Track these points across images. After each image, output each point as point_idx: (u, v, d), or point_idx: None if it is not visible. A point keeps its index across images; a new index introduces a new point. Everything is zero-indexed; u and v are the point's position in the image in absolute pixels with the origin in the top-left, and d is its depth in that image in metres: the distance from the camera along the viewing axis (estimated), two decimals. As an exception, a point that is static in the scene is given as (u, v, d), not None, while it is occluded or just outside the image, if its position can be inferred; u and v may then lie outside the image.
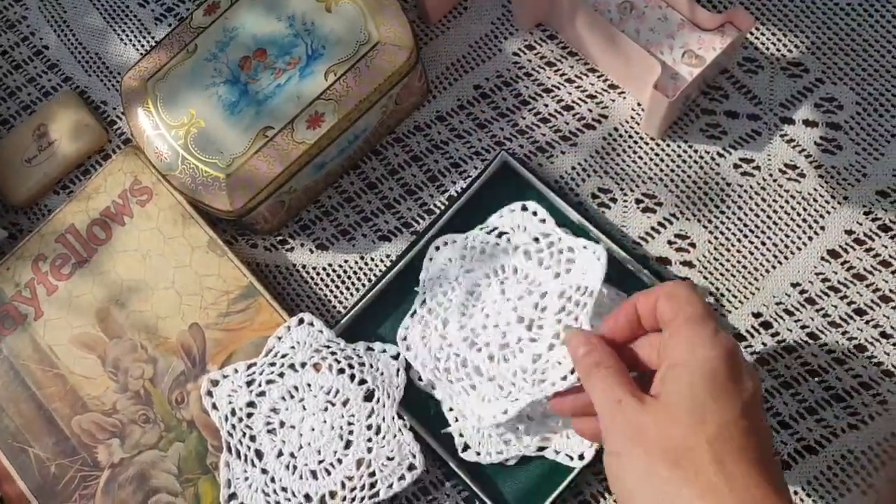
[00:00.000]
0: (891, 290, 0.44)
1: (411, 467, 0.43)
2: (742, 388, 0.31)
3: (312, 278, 0.49)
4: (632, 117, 0.48)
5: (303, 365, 0.44)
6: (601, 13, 0.47)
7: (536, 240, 0.45)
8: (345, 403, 0.43)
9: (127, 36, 0.54)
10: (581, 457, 0.42)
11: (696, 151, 0.47)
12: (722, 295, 0.45)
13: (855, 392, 0.43)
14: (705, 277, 0.46)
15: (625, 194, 0.48)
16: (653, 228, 0.47)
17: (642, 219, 0.47)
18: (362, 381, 0.44)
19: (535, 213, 0.46)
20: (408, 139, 0.50)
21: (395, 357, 0.45)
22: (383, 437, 0.43)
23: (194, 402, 0.45)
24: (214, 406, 0.44)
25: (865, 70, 0.47)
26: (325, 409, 0.44)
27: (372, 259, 0.49)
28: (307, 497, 0.42)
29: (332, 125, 0.44)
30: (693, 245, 0.46)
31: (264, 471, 0.43)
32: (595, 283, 0.43)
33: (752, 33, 0.49)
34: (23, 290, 0.47)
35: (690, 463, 0.30)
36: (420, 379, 0.45)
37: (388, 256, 0.48)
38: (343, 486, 0.42)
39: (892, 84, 0.47)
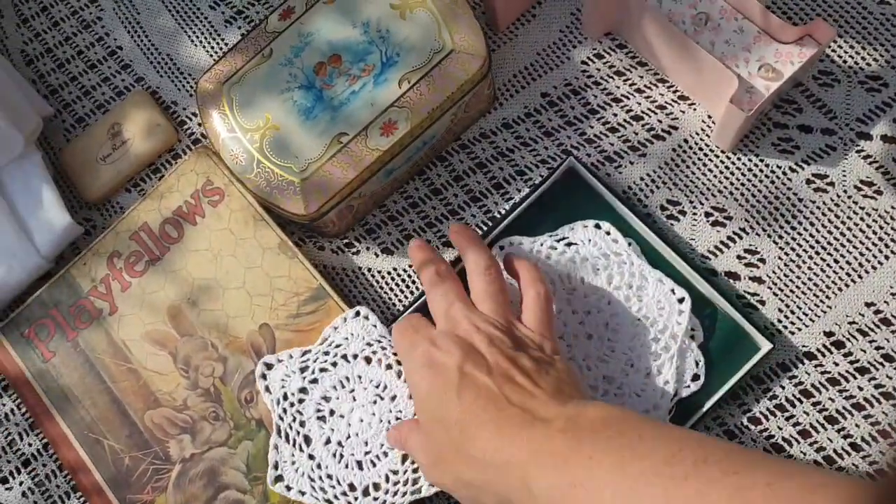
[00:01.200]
0: (968, 313, 0.43)
1: None
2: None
3: (378, 281, 0.49)
4: (702, 129, 0.48)
5: (354, 356, 0.45)
6: (675, 24, 0.47)
7: (606, 256, 0.45)
8: (392, 398, 0.44)
9: (198, 38, 0.55)
10: None
11: (767, 166, 0.47)
12: (792, 312, 0.45)
13: (929, 415, 0.42)
14: (775, 294, 0.45)
15: (694, 207, 0.47)
16: (722, 243, 0.46)
17: (711, 232, 0.47)
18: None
19: (608, 233, 0.46)
20: (473, 146, 0.50)
21: None
22: None
23: (263, 401, 0.45)
24: (267, 389, 0.45)
25: (947, 86, 0.46)
26: (374, 402, 0.44)
27: (437, 264, 0.49)
28: (351, 486, 0.43)
29: (405, 132, 0.44)
30: (763, 261, 0.46)
31: (311, 456, 0.44)
32: (679, 329, 0.44)
33: (828, 47, 0.48)
34: (98, 285, 0.48)
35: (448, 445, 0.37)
36: None
37: (453, 260, 0.49)
38: (387, 479, 0.43)
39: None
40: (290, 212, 0.45)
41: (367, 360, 0.45)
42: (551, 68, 0.51)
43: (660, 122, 0.49)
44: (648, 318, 0.44)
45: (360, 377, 0.45)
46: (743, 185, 0.47)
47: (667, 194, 0.48)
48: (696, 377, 0.44)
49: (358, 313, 0.46)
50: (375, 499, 0.42)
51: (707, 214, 0.47)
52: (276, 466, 0.44)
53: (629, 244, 0.46)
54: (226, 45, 0.55)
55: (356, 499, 0.43)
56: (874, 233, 0.45)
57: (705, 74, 0.45)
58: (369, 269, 0.50)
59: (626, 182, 0.48)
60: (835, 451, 0.42)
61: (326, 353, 0.45)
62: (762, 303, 0.45)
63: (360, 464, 0.43)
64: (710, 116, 0.48)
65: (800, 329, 0.44)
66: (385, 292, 0.49)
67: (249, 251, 0.48)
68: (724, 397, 0.43)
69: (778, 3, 0.49)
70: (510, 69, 0.51)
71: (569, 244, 0.46)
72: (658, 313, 0.44)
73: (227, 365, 0.46)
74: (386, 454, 0.43)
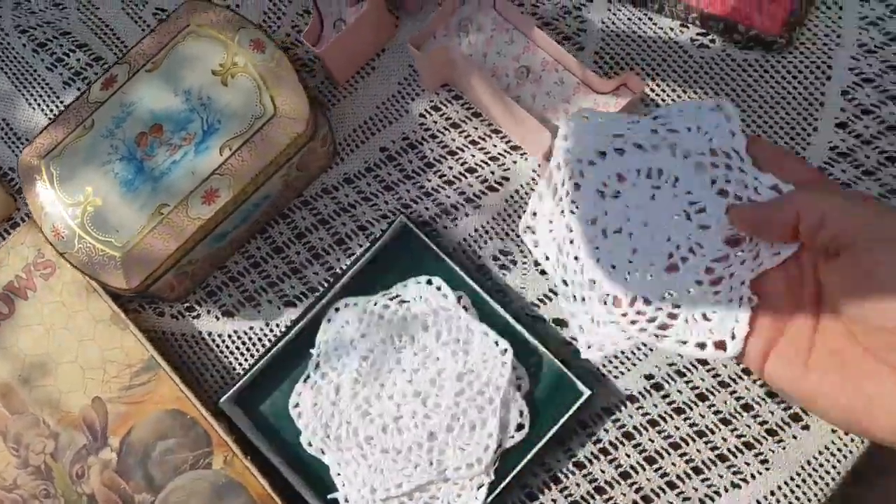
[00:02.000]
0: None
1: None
2: None
3: (218, 346, 0.49)
4: (533, 179, 0.49)
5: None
6: (498, 78, 0.47)
7: (436, 312, 0.46)
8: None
9: (35, 100, 0.54)
10: None
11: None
12: (616, 356, 0.46)
13: (739, 452, 0.43)
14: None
15: (524, 256, 0.48)
16: (551, 290, 0.47)
17: (541, 280, 0.47)
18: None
19: (438, 288, 0.46)
20: (315, 202, 0.51)
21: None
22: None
23: (95, 475, 0.45)
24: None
25: (758, 130, 0.48)
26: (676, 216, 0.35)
27: (277, 325, 0.49)
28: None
29: (228, 200, 0.44)
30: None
31: (602, 298, 0.36)
32: (502, 381, 0.44)
33: (653, 90, 0.49)
34: (-73, 366, 0.47)
35: None
36: (310, 444, 0.45)
37: (293, 321, 0.49)
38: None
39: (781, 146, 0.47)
40: (114, 287, 0.44)
41: (620, 151, 0.36)
42: (390, 122, 0.51)
43: (492, 173, 0.49)
44: (474, 371, 0.45)
45: (620, 176, 0.36)
46: (572, 232, 0.48)
47: (499, 245, 0.48)
48: (520, 427, 0.44)
49: (587, 117, 0.37)
50: (610, 313, 0.35)
51: (536, 263, 0.48)
52: (581, 330, 0.36)
53: (459, 298, 0.46)
54: (64, 107, 0.54)
55: (660, 311, 0.34)
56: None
57: (525, 127, 0.46)
58: (210, 333, 0.49)
59: (462, 234, 0.49)
60: (652, 490, 0.43)
61: (568, 164, 0.36)
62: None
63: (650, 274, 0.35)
64: (539, 165, 0.49)
65: (623, 374, 0.45)
66: (226, 356, 0.49)
67: (82, 324, 0.47)
68: (549, 444, 0.44)
69: (603, 53, 0.50)
70: (351, 123, 0.51)
71: (401, 302, 0.47)
72: (483, 366, 0.45)
73: (58, 441, 0.46)
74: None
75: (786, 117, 0.47)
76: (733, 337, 0.33)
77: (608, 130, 0.36)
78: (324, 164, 0.50)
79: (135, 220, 0.44)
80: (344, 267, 0.49)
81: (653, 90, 0.49)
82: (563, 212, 0.36)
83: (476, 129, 0.50)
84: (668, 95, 0.49)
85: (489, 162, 0.50)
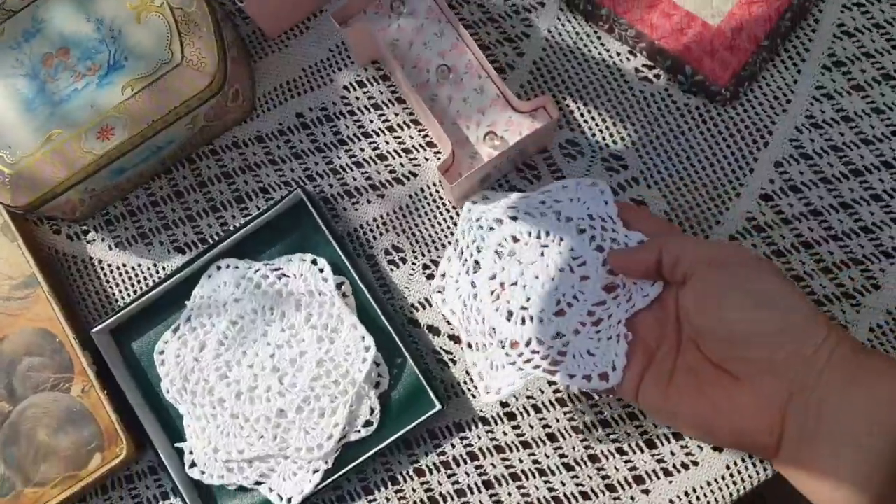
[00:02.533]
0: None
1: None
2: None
3: (105, 275, 0.50)
4: (440, 181, 0.47)
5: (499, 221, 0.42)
6: (419, 70, 0.45)
7: (312, 294, 0.46)
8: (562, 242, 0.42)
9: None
10: (289, 501, 0.44)
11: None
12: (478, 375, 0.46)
13: (574, 499, 0.44)
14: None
15: (415, 257, 0.47)
16: (429, 298, 0.47)
17: (425, 284, 0.47)
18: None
19: (321, 270, 0.46)
20: (223, 153, 0.50)
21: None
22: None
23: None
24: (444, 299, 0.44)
25: (678, 186, 0.45)
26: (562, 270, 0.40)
27: (164, 268, 0.49)
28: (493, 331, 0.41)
29: (123, 140, 0.44)
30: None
31: (501, 342, 0.40)
32: (359, 376, 0.45)
33: (581, 117, 0.47)
34: None
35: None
36: (168, 392, 0.47)
37: (177, 269, 0.49)
38: (528, 343, 0.40)
39: (699, 203, 0.45)
40: (0, 202, 0.45)
41: (514, 218, 0.42)
42: (312, 88, 0.49)
43: (402, 165, 0.48)
44: (335, 360, 0.45)
45: (514, 237, 0.41)
46: (465, 243, 0.47)
47: (393, 240, 0.48)
48: (368, 423, 0.45)
49: (485, 198, 0.44)
50: (508, 354, 0.40)
51: (425, 266, 0.47)
52: (480, 377, 0.41)
53: (340, 284, 0.46)
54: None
55: (551, 350, 0.39)
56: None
57: (433, 131, 0.44)
58: (100, 261, 0.50)
59: (361, 220, 0.48)
60: (472, 518, 0.45)
61: (471, 230, 0.43)
62: (454, 362, 0.46)
63: (542, 318, 0.40)
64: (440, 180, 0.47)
65: (475, 397, 0.45)
66: (111, 287, 0.50)
67: (-26, 227, 0.48)
68: (393, 446, 0.45)
69: (542, 63, 0.47)
70: (273, 80, 0.50)
71: (282, 275, 0.47)
72: (344, 357, 0.45)
73: (-64, 335, 0.48)
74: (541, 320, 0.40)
75: (711, 174, 0.45)
76: (614, 368, 0.38)
77: (504, 204, 0.42)
78: (238, 117, 0.49)
79: (28, 141, 0.44)
80: (238, 224, 0.49)
81: (583, 115, 0.47)
82: (468, 271, 0.42)
83: (396, 115, 0.48)
84: (597, 123, 0.46)
85: (402, 153, 0.48)
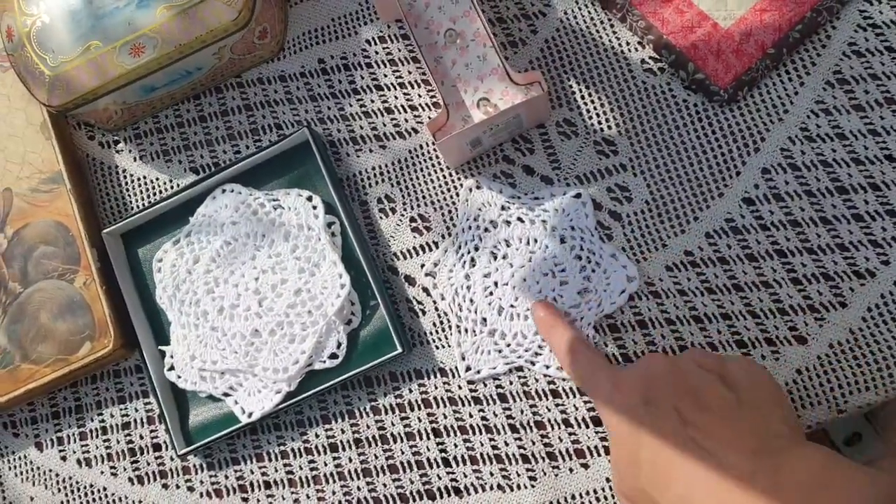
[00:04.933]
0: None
1: None
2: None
3: (126, 184, 0.54)
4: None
5: (493, 224, 0.47)
6: (430, 32, 0.47)
7: (301, 227, 0.49)
8: (546, 248, 0.47)
9: None
10: (250, 415, 0.48)
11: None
12: (444, 329, 0.48)
13: (513, 460, 0.46)
14: (436, 309, 0.48)
15: (404, 209, 0.50)
16: (414, 249, 0.49)
17: (409, 236, 0.49)
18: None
19: (315, 208, 0.49)
20: (248, 87, 0.53)
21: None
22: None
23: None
24: (442, 297, 0.48)
25: (663, 178, 0.46)
26: (529, 259, 0.46)
27: (178, 185, 0.53)
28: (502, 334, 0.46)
29: (152, 59, 0.48)
30: (435, 277, 0.49)
31: (492, 332, 0.46)
32: (331, 310, 0.48)
33: (581, 99, 0.48)
34: None
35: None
36: (160, 298, 0.51)
37: (187, 186, 0.53)
38: (514, 336, 0.46)
39: (681, 198, 0.46)
40: (38, 99, 0.49)
41: (508, 223, 0.47)
42: (337, 37, 0.52)
43: (406, 121, 0.50)
44: (311, 292, 0.48)
45: (507, 242, 0.47)
46: (452, 202, 0.49)
47: (387, 190, 0.50)
48: (333, 356, 0.48)
49: (479, 185, 0.48)
50: (496, 343, 0.46)
51: (412, 219, 0.50)
52: (463, 358, 0.47)
53: (330, 224, 0.49)
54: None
55: (533, 343, 0.46)
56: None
57: (434, 90, 0.46)
58: (124, 171, 0.54)
59: (360, 167, 0.51)
60: (426, 460, 0.47)
61: (470, 228, 0.48)
62: (423, 312, 0.48)
63: (526, 317, 0.46)
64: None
65: (444, 346, 0.48)
66: (128, 195, 0.54)
67: (17, 121, 0.53)
68: (356, 381, 0.48)
69: (554, 43, 0.49)
70: (304, 25, 0.53)
71: (277, 206, 0.50)
72: (321, 290, 0.48)
73: (-31, 213, 0.53)
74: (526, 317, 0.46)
75: (698, 171, 0.46)
76: None
77: (497, 201, 0.48)
78: (266, 55, 0.52)
79: (69, 48, 0.48)
80: (247, 154, 0.52)
81: (583, 97, 0.48)
82: (464, 265, 0.48)
83: (410, 73, 0.51)
84: (595, 107, 0.48)
85: (408, 109, 0.50)
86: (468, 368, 0.47)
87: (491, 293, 0.47)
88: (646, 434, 0.36)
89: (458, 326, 0.47)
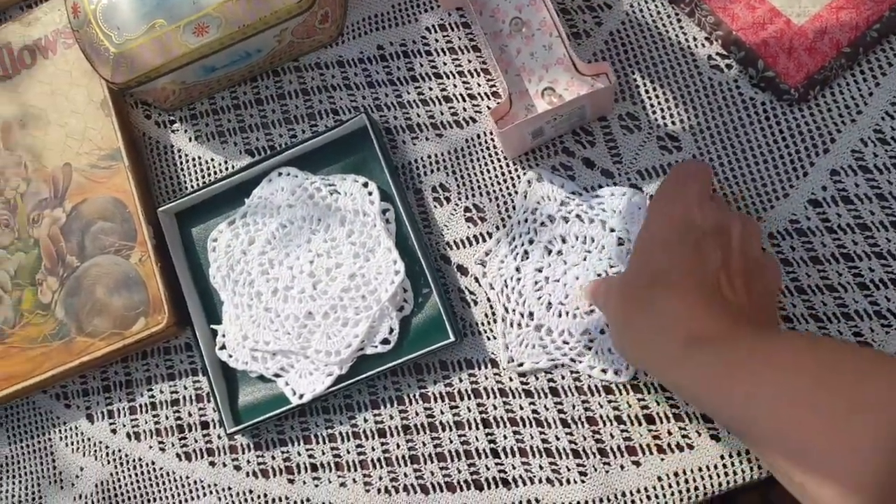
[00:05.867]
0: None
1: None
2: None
3: (181, 163, 0.54)
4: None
5: (551, 219, 0.47)
6: (495, 20, 0.47)
7: (356, 213, 0.49)
8: (601, 249, 0.46)
9: None
10: (301, 396, 0.48)
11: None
12: (495, 320, 0.48)
13: (564, 455, 0.45)
14: (488, 299, 0.48)
15: (459, 198, 0.49)
16: (468, 238, 0.49)
17: (464, 226, 0.49)
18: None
19: (370, 194, 0.49)
20: (305, 71, 0.53)
21: None
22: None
23: (45, 226, 0.53)
24: (490, 286, 0.48)
25: (727, 177, 0.45)
26: (584, 259, 0.46)
27: (233, 166, 0.54)
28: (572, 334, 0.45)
29: (215, 39, 0.48)
30: (485, 266, 0.48)
31: (538, 327, 0.46)
32: (385, 296, 0.47)
33: (645, 93, 0.47)
34: (-42, 83, 0.56)
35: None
36: (214, 277, 0.51)
37: (243, 167, 0.53)
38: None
39: (745, 197, 0.45)
40: (101, 76, 0.50)
41: (566, 219, 0.47)
42: (397, 24, 0.52)
43: (465, 110, 0.50)
44: (365, 277, 0.48)
45: (563, 238, 0.47)
46: (508, 193, 0.49)
47: (443, 179, 0.50)
48: (385, 341, 0.48)
49: (540, 178, 0.47)
50: (542, 339, 0.46)
51: (466, 209, 0.49)
52: (507, 348, 0.46)
53: (385, 210, 0.49)
54: None
55: (579, 343, 0.45)
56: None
57: (497, 78, 0.46)
58: (179, 150, 0.55)
59: (416, 154, 0.51)
60: (476, 450, 0.47)
61: (526, 221, 0.47)
62: (475, 302, 0.48)
63: (575, 315, 0.46)
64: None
65: (495, 338, 0.47)
66: (182, 174, 0.54)
67: (79, 97, 0.53)
68: (406, 367, 0.48)
69: (618, 35, 0.48)
70: (364, 11, 0.53)
71: (334, 191, 0.50)
72: (375, 276, 0.48)
73: (29, 186, 0.53)
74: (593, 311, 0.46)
75: (763, 171, 0.45)
76: (627, 367, 0.45)
77: (557, 195, 0.47)
78: (325, 39, 0.52)
79: (134, 26, 0.49)
80: (303, 138, 0.52)
81: (647, 91, 0.47)
82: (515, 257, 0.47)
83: (469, 62, 0.50)
84: (660, 101, 0.47)
85: (466, 97, 0.50)
86: (511, 360, 0.46)
87: (541, 288, 0.46)
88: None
89: (504, 317, 0.47)
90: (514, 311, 0.47)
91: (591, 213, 0.46)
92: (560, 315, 0.46)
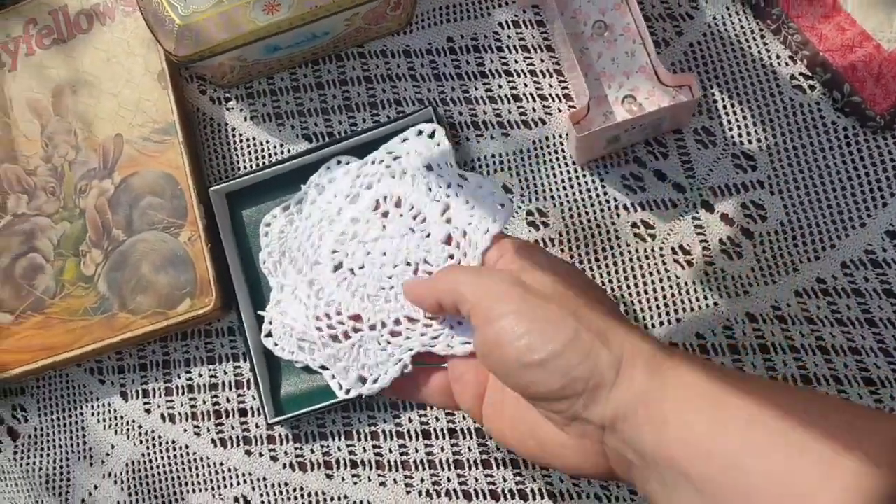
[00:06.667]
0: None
1: None
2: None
3: (235, 143, 0.53)
4: (566, 133, 0.48)
5: (403, 173, 0.41)
6: (577, 22, 0.46)
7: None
8: (426, 236, 0.39)
9: None
10: (348, 391, 0.47)
11: (605, 193, 0.47)
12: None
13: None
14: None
15: (521, 201, 0.48)
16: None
17: (524, 230, 0.48)
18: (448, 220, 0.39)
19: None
20: (370, 58, 0.52)
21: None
22: None
23: (92, 197, 0.51)
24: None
25: (802, 201, 0.44)
26: (404, 235, 0.40)
27: (288, 150, 0.52)
28: (357, 318, 0.41)
29: (284, 18, 0.46)
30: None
31: (312, 282, 0.43)
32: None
33: (723, 108, 0.46)
34: (10, 42, 0.54)
35: (595, 300, 0.31)
36: (264, 262, 0.50)
37: (301, 152, 0.52)
38: (397, 322, 0.39)
39: (819, 223, 0.44)
40: (164, 47, 0.48)
41: (413, 181, 0.41)
42: (469, 17, 0.51)
43: (534, 110, 0.49)
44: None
45: (399, 200, 0.41)
46: (574, 200, 0.48)
47: (506, 179, 0.49)
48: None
49: (432, 135, 0.42)
50: (382, 335, 0.40)
51: (529, 213, 0.48)
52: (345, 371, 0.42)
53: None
54: None
55: (357, 331, 0.41)
56: (665, 297, 0.46)
57: (575, 81, 0.45)
58: (233, 129, 0.53)
59: (480, 153, 0.49)
60: (524, 460, 0.46)
61: (381, 161, 0.43)
62: (532, 311, 0.47)
63: (370, 297, 0.40)
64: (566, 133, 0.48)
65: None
66: (235, 154, 0.53)
67: (135, 67, 0.52)
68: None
69: (699, 47, 0.47)
70: (435, 2, 0.51)
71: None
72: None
73: (78, 154, 0.52)
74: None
75: (841, 198, 0.44)
76: (375, 381, 0.40)
77: (351, 172, 0.44)
78: (393, 27, 0.51)
79: (202, 0, 0.47)
80: (366, 127, 0.51)
81: (725, 107, 0.46)
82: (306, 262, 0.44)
83: (542, 61, 0.49)
84: (737, 118, 0.46)
85: (537, 98, 0.49)
86: (363, 380, 0.41)
87: (343, 242, 0.42)
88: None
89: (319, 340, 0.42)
90: (305, 254, 0.43)
91: (441, 191, 0.39)
92: (341, 282, 0.41)
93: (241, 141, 0.53)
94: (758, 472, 0.25)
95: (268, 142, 0.53)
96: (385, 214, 0.40)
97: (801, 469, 0.24)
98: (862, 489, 0.23)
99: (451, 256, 0.37)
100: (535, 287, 0.31)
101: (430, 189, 0.39)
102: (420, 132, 0.43)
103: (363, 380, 0.41)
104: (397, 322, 0.39)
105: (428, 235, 0.38)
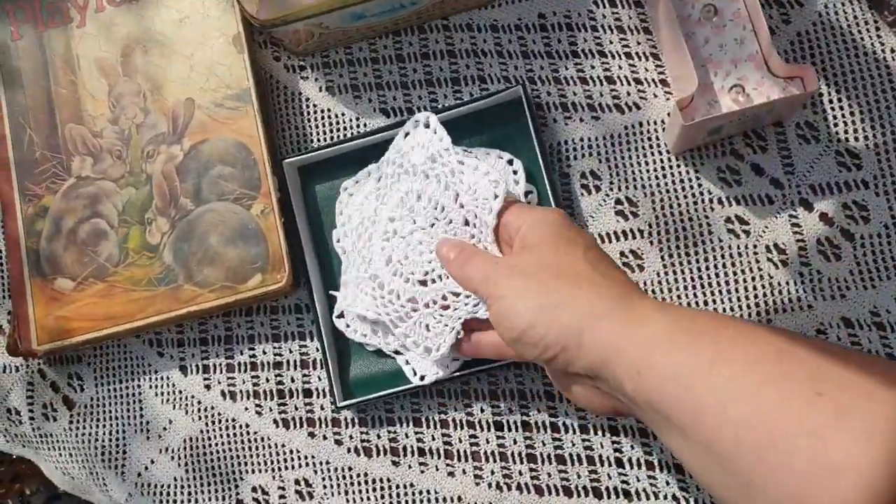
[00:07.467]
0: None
1: None
2: (581, 233, 0.38)
3: (309, 112, 0.51)
4: (662, 120, 0.46)
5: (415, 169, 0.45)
6: (685, 4, 0.44)
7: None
8: (449, 223, 0.43)
9: None
10: (422, 378, 0.45)
11: (700, 185, 0.45)
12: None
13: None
14: (632, 301, 0.45)
15: (610, 188, 0.46)
16: (615, 233, 0.46)
17: (612, 220, 0.46)
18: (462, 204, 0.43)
19: (515, 172, 0.46)
20: (455, 32, 0.50)
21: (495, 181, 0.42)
22: None
23: (160, 162, 0.49)
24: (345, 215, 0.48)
25: (917, 198, 0.43)
26: (432, 225, 0.44)
27: (365, 124, 0.50)
28: (412, 300, 0.44)
29: (376, -15, 0.44)
30: (641, 268, 0.46)
31: (372, 277, 0.45)
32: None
33: (829, 103, 0.44)
34: (78, -3, 0.52)
35: (570, 269, 0.35)
36: (337, 241, 0.48)
37: (379, 128, 0.50)
38: (444, 297, 0.43)
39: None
40: (245, 10, 0.46)
41: (426, 175, 0.44)
42: (562, -7, 0.49)
43: (628, 94, 0.47)
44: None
45: (419, 195, 0.44)
46: (667, 191, 0.46)
47: (595, 165, 0.47)
48: None
49: (427, 124, 0.46)
50: (435, 311, 0.43)
51: (617, 201, 0.46)
52: (345, 285, 0.47)
53: (528, 192, 0.46)
54: None
55: (416, 310, 0.44)
56: (756, 297, 0.44)
57: (679, 66, 0.43)
58: (307, 99, 0.51)
59: (567, 136, 0.47)
60: (600, 456, 0.44)
61: (394, 163, 0.46)
62: (616, 303, 0.45)
63: (423, 282, 0.44)
64: (669, 115, 0.46)
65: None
66: (309, 126, 0.51)
67: (209, 30, 0.50)
68: (533, 364, 0.45)
69: (806, 37, 0.45)
70: (526, -25, 0.49)
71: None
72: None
73: (147, 117, 0.50)
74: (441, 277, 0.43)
75: (950, 202, 0.42)
76: (438, 349, 0.43)
77: (432, 147, 0.45)
78: (481, 0, 0.49)
79: (291, -38, 0.45)
80: (447, 105, 0.49)
81: (831, 101, 0.44)
82: (378, 197, 0.47)
83: (639, 44, 0.47)
84: (844, 114, 0.44)
85: (632, 81, 0.47)
86: (345, 297, 0.46)
87: (388, 239, 0.45)
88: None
89: (346, 252, 0.47)
90: (360, 252, 0.46)
91: (449, 180, 0.43)
92: (395, 274, 0.44)
93: (315, 112, 0.51)
94: (738, 414, 0.27)
95: (343, 114, 0.51)
96: (412, 209, 0.44)
97: (784, 405, 0.27)
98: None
99: (473, 236, 0.42)
100: (521, 266, 0.36)
101: (439, 180, 0.44)
102: (416, 123, 0.46)
103: (428, 350, 0.44)
104: (444, 298, 0.43)
105: (450, 221, 0.43)
